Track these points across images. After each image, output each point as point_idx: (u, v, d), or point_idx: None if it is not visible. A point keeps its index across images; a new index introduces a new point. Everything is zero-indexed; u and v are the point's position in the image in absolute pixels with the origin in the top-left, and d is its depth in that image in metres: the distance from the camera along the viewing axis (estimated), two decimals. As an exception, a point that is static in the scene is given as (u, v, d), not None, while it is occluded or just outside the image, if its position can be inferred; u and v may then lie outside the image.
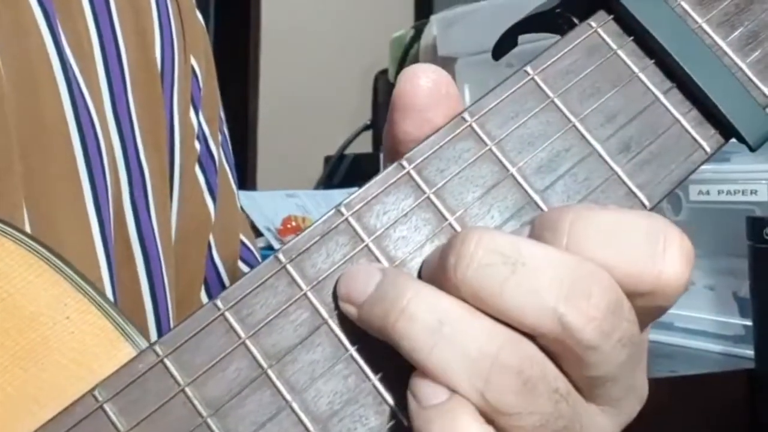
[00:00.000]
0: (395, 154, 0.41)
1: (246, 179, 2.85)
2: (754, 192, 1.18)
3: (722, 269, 1.23)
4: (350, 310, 0.38)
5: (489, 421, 0.35)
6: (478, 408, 0.35)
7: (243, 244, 0.71)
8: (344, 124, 2.55)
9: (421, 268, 0.39)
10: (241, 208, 0.73)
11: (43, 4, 0.56)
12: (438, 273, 0.37)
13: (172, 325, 0.60)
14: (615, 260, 0.36)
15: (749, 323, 1.16)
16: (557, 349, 0.36)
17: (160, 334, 0.57)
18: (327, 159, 2.45)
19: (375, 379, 0.38)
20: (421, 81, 0.41)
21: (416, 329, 0.36)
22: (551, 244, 0.36)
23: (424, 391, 0.36)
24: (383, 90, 2.36)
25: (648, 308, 0.37)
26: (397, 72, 2.18)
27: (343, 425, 0.37)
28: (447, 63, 1.93)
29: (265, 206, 1.86)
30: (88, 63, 0.58)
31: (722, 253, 1.22)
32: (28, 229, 0.52)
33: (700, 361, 1.19)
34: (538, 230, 0.38)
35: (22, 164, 0.53)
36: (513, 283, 0.35)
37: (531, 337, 0.36)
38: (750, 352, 1.15)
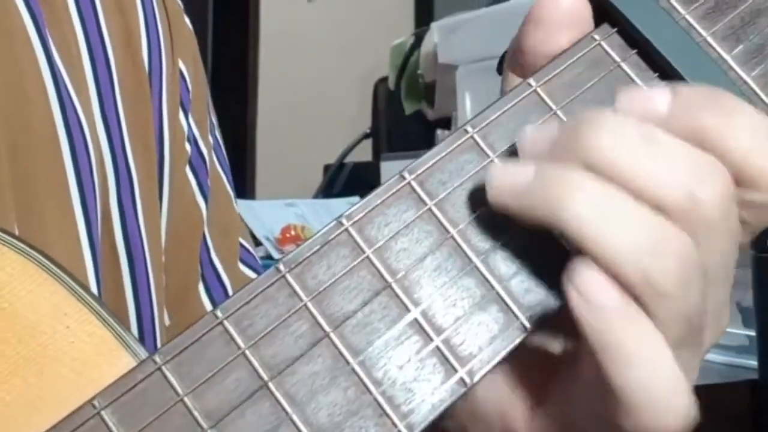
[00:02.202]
0: (514, 65, 0.43)
1: (245, 188, 2.85)
2: (757, 201, 1.17)
3: (725, 279, 1.22)
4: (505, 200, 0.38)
5: (646, 307, 0.36)
6: (635, 287, 0.36)
7: (243, 246, 0.71)
8: (344, 132, 2.55)
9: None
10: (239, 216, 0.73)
11: (32, 9, 0.56)
12: (563, 143, 0.38)
13: (155, 327, 0.60)
14: (751, 150, 0.38)
15: (753, 333, 1.16)
16: None
17: (141, 336, 0.58)
18: (326, 167, 2.45)
19: (376, 392, 0.38)
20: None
21: (585, 207, 0.36)
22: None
23: (589, 283, 0.36)
24: (383, 98, 2.36)
25: (757, 205, 0.39)
26: (397, 79, 2.18)
27: None
28: (447, 70, 1.93)
29: (264, 215, 1.86)
30: (76, 66, 0.58)
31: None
32: (16, 233, 0.51)
33: (703, 372, 1.17)
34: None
35: (10, 168, 0.53)
36: (647, 152, 0.37)
37: None
38: (753, 363, 1.14)
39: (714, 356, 1.21)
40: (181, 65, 0.67)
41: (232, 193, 0.71)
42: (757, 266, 1.12)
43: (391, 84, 2.25)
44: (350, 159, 2.39)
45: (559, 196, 0.37)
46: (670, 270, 0.36)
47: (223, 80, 2.81)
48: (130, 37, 0.62)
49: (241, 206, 0.74)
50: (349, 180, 2.33)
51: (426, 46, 2.08)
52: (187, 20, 0.69)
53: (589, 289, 0.36)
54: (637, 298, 0.36)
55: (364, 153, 2.44)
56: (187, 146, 0.66)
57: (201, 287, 0.67)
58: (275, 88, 3.00)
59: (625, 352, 0.36)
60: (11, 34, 0.55)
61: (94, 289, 0.55)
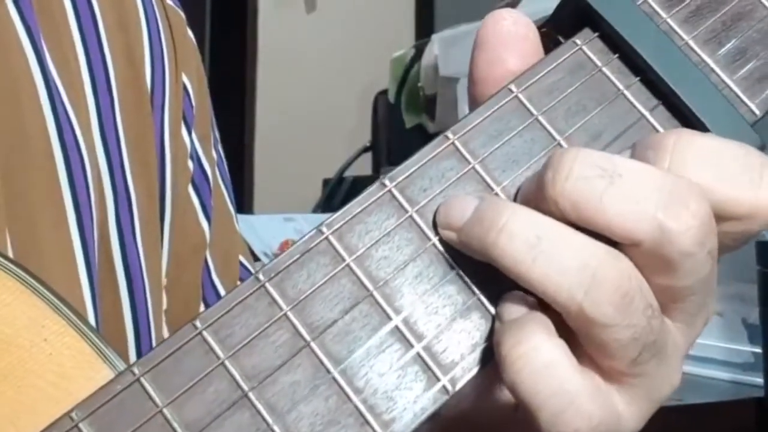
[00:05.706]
0: (472, 100, 0.43)
1: (243, 202, 2.84)
2: (763, 216, 1.17)
3: (731, 295, 1.23)
4: (450, 235, 0.39)
5: (585, 333, 0.37)
6: (575, 319, 0.37)
7: (242, 265, 0.71)
8: (343, 146, 2.54)
9: (516, 194, 0.40)
10: (238, 231, 0.72)
11: (27, 22, 0.55)
12: (535, 191, 0.38)
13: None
14: (716, 182, 0.38)
15: (759, 350, 1.16)
16: (649, 261, 0.37)
17: (139, 358, 0.57)
18: (326, 181, 2.45)
19: (357, 401, 0.38)
20: (504, 21, 0.42)
21: (516, 245, 0.37)
22: (654, 163, 0.38)
23: (505, 307, 0.38)
24: (383, 111, 2.36)
25: (736, 233, 0.39)
26: (398, 93, 2.18)
27: None
28: (448, 83, 1.93)
29: (263, 230, 1.85)
30: (75, 82, 0.58)
31: (731, 279, 1.21)
32: (9, 251, 0.51)
33: (708, 390, 1.18)
34: (641, 150, 0.39)
35: (3, 185, 0.52)
36: (612, 192, 0.37)
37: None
38: (759, 380, 1.15)
39: (719, 373, 1.21)
40: (185, 79, 0.66)
41: (233, 212, 0.71)
42: (763, 283, 1.13)
43: (392, 97, 2.25)
44: (350, 173, 2.39)
45: (483, 235, 0.38)
46: (604, 303, 0.36)
47: (220, 93, 2.80)
48: (132, 54, 0.62)
49: (239, 221, 0.74)
50: (349, 194, 2.31)
51: (427, 59, 2.08)
52: (189, 32, 0.69)
53: (498, 311, 0.38)
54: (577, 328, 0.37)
55: (363, 167, 2.43)
56: (190, 164, 0.65)
57: (202, 309, 0.65)
58: (274, 101, 2.99)
59: (509, 362, 0.37)
60: (5, 47, 0.54)
61: (90, 310, 0.55)
